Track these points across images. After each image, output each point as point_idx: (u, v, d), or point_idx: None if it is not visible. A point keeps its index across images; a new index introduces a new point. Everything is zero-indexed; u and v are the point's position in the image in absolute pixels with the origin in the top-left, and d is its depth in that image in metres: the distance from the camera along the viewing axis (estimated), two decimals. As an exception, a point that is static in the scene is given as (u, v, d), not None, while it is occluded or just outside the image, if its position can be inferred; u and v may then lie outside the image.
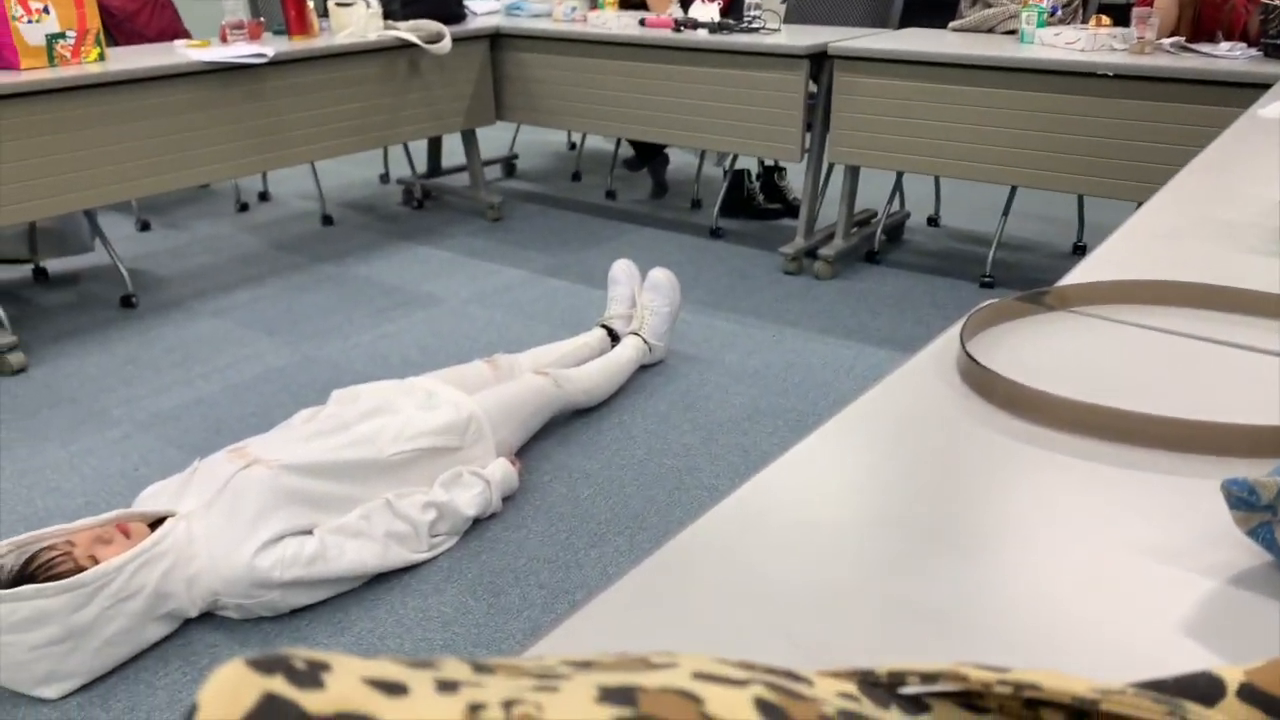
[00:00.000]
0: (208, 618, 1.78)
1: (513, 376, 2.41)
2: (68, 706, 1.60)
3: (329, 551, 1.79)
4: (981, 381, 0.80)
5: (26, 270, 3.58)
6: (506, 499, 2.12)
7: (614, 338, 2.72)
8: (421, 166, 4.60)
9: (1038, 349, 0.89)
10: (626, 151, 4.68)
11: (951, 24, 3.50)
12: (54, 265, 3.64)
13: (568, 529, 2.05)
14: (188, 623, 1.77)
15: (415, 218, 4.23)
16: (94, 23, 2.97)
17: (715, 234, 3.93)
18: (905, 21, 3.86)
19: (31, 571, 1.60)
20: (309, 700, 0.20)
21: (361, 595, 1.85)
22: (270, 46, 3.27)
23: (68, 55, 2.93)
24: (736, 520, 0.65)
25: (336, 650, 1.71)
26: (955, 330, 0.91)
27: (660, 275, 2.73)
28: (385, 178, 4.89)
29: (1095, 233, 3.94)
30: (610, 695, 0.23)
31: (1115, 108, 2.80)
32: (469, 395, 2.21)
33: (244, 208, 4.40)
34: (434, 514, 1.95)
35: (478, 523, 2.05)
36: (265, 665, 0.21)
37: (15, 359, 2.78)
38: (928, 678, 0.32)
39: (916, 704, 0.32)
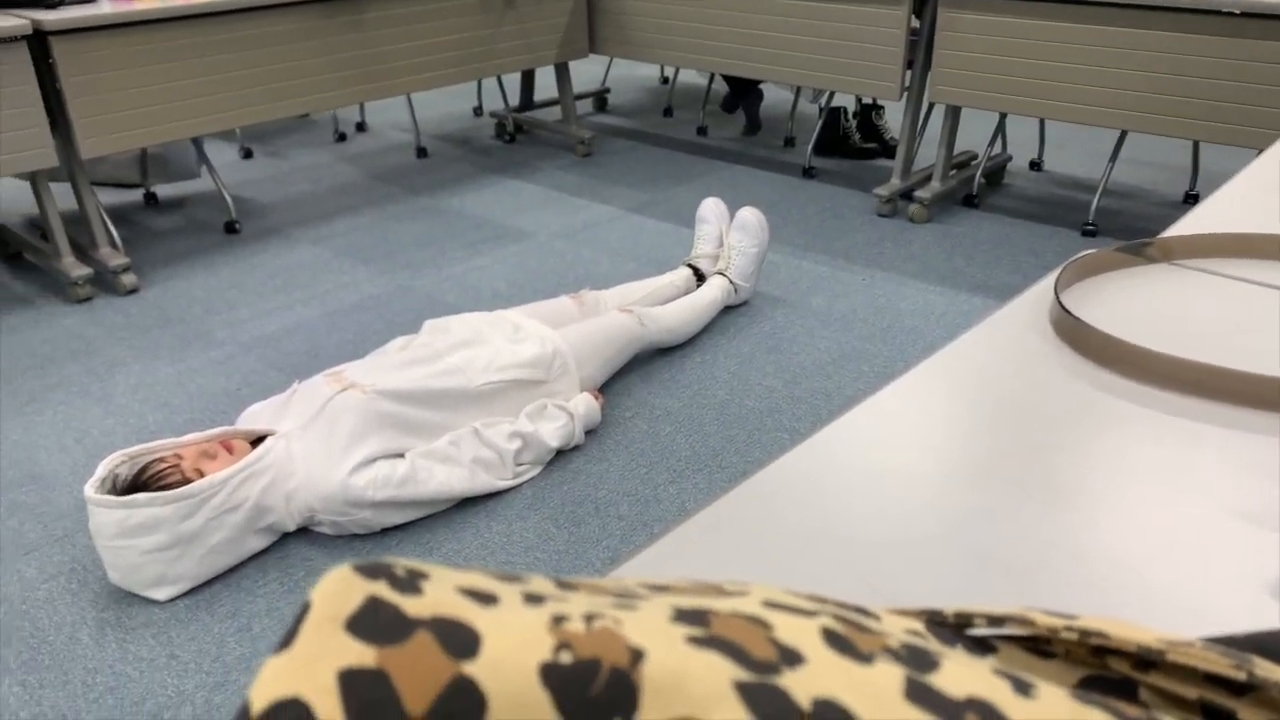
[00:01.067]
0: (304, 533, 1.87)
1: (598, 313, 2.44)
2: (176, 608, 1.71)
3: (419, 474, 1.85)
4: (1074, 333, 0.79)
5: (137, 195, 3.73)
6: (589, 432, 2.16)
7: (700, 277, 2.71)
8: (514, 100, 4.61)
9: (1136, 302, 0.86)
10: (720, 89, 4.61)
11: (1068, -44, 3.33)
12: (163, 190, 3.78)
13: (647, 464, 2.08)
14: (285, 537, 1.86)
15: (507, 151, 4.26)
16: (202, -48, 3.03)
17: (808, 173, 3.87)
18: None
19: (143, 481, 1.71)
20: (409, 604, 0.22)
21: (449, 518, 1.91)
22: (369, -23, 3.30)
23: (177, -16, 3.00)
24: (817, 461, 0.66)
25: (423, 569, 1.79)
26: (1050, 280, 0.89)
27: (749, 215, 2.71)
28: (478, 110, 4.92)
29: (1210, 181, 3.74)
30: (684, 616, 0.24)
31: (1239, 48, 2.64)
32: (555, 330, 2.25)
33: (342, 138, 4.49)
34: (519, 443, 2.01)
35: (561, 454, 2.10)
36: (369, 571, 0.23)
37: (128, 280, 2.91)
38: (994, 620, 0.32)
39: (983, 646, 0.33)
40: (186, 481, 1.71)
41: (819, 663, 0.24)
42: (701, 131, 4.48)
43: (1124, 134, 3.18)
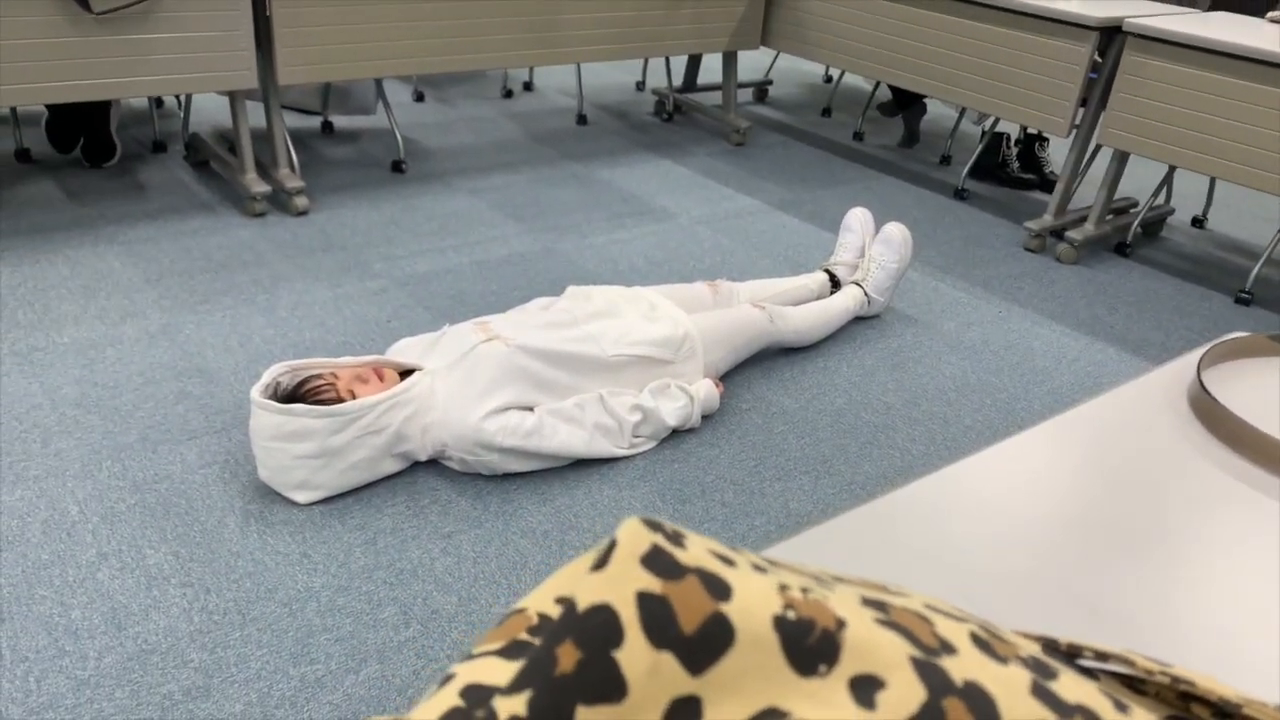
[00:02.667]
0: (432, 465, 2.02)
1: (730, 303, 2.51)
2: (312, 512, 1.87)
3: (544, 429, 1.97)
4: (1210, 414, 0.83)
5: (315, 122, 3.97)
6: (706, 417, 2.25)
7: (835, 284, 2.75)
8: (678, 80, 4.69)
9: (1277, 392, 0.89)
10: (884, 95, 4.59)
11: (1270, 14, 3.21)
12: (339, 121, 4.01)
13: (757, 457, 2.15)
14: (415, 466, 2.01)
15: (663, 130, 4.35)
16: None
17: (960, 195, 3.84)
18: (1217, 4, 3.56)
19: (301, 393, 1.87)
20: (679, 554, 0.31)
21: (565, 475, 2.03)
22: (563, -54, 3.42)
23: (386, -68, 3.18)
24: (944, 492, 0.72)
25: (538, 516, 1.91)
26: (1195, 356, 0.92)
27: (895, 230, 2.73)
28: (641, 86, 5.02)
29: (1387, 267, 3.57)
30: (869, 602, 0.32)
31: None
32: (688, 315, 2.34)
33: (508, 94, 4.66)
34: (639, 416, 2.10)
35: (676, 433, 2.19)
36: (651, 525, 0.31)
37: (300, 202, 3.13)
38: (1100, 655, 0.39)
39: (1087, 675, 0.40)
40: (339, 399, 1.87)
41: (968, 656, 0.31)
42: (858, 136, 4.48)
43: (1300, 205, 3.06)
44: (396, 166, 3.58)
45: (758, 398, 2.37)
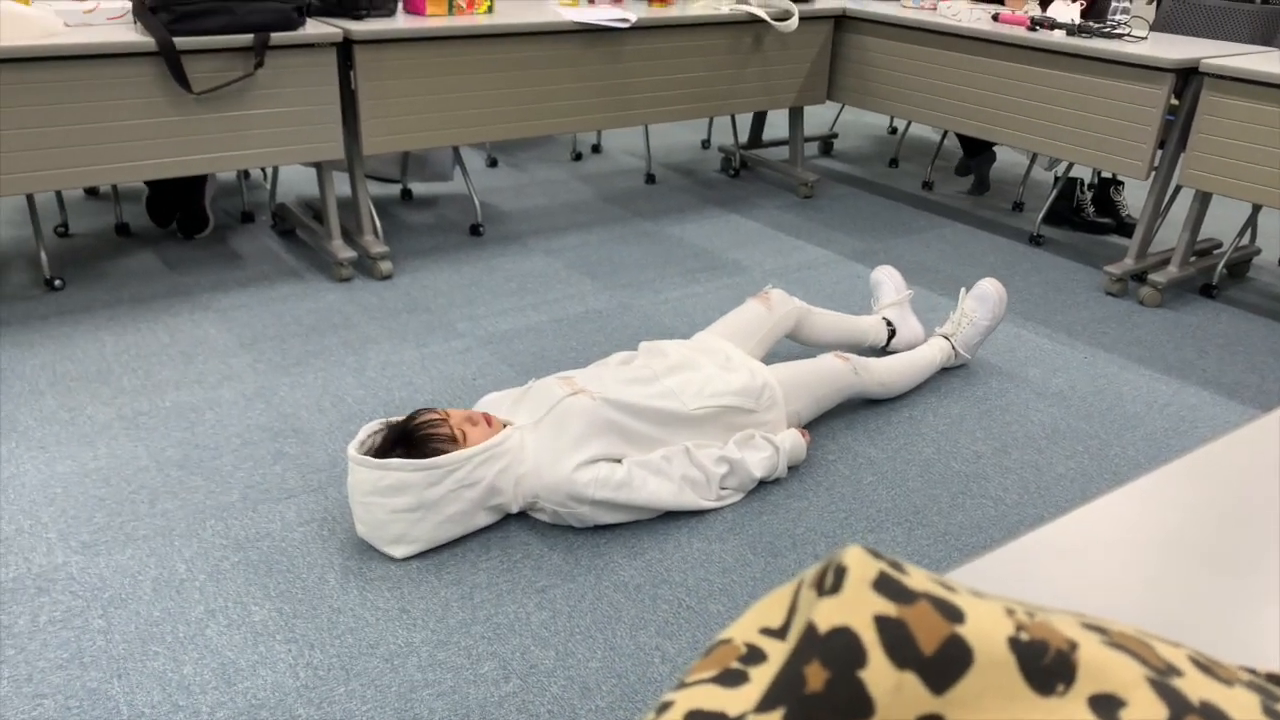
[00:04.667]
0: (524, 520, 2.04)
1: (784, 313, 2.52)
2: (409, 568, 1.90)
3: (634, 480, 1.99)
4: (1350, 451, 0.81)
5: (396, 190, 4.10)
6: (792, 468, 2.24)
7: (891, 332, 2.75)
8: (744, 136, 4.75)
9: None
10: (950, 146, 4.59)
11: (1354, 48, 3.15)
12: (418, 188, 4.14)
13: (846, 509, 2.14)
14: (507, 521, 2.03)
15: (730, 185, 4.40)
16: (489, -21, 3.33)
17: (1035, 241, 3.81)
18: (1297, 40, 3.51)
19: (413, 427, 1.92)
20: (906, 580, 0.32)
21: (654, 527, 2.04)
22: (632, 12, 3.52)
23: (464, 6, 3.31)
24: (1051, 549, 0.71)
25: (629, 570, 1.91)
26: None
27: (990, 287, 2.69)
28: (706, 143, 5.10)
29: None
30: (1089, 626, 0.33)
31: None
32: (753, 340, 2.41)
33: (578, 157, 4.77)
34: (726, 468, 2.11)
35: (763, 485, 2.19)
36: (873, 553, 0.33)
37: (385, 266, 3.22)
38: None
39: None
40: (451, 437, 1.91)
41: (1193, 677, 0.32)
42: (927, 186, 4.48)
43: (1396, 241, 2.98)
44: (474, 230, 3.68)
45: (843, 448, 2.36)
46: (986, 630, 0.30)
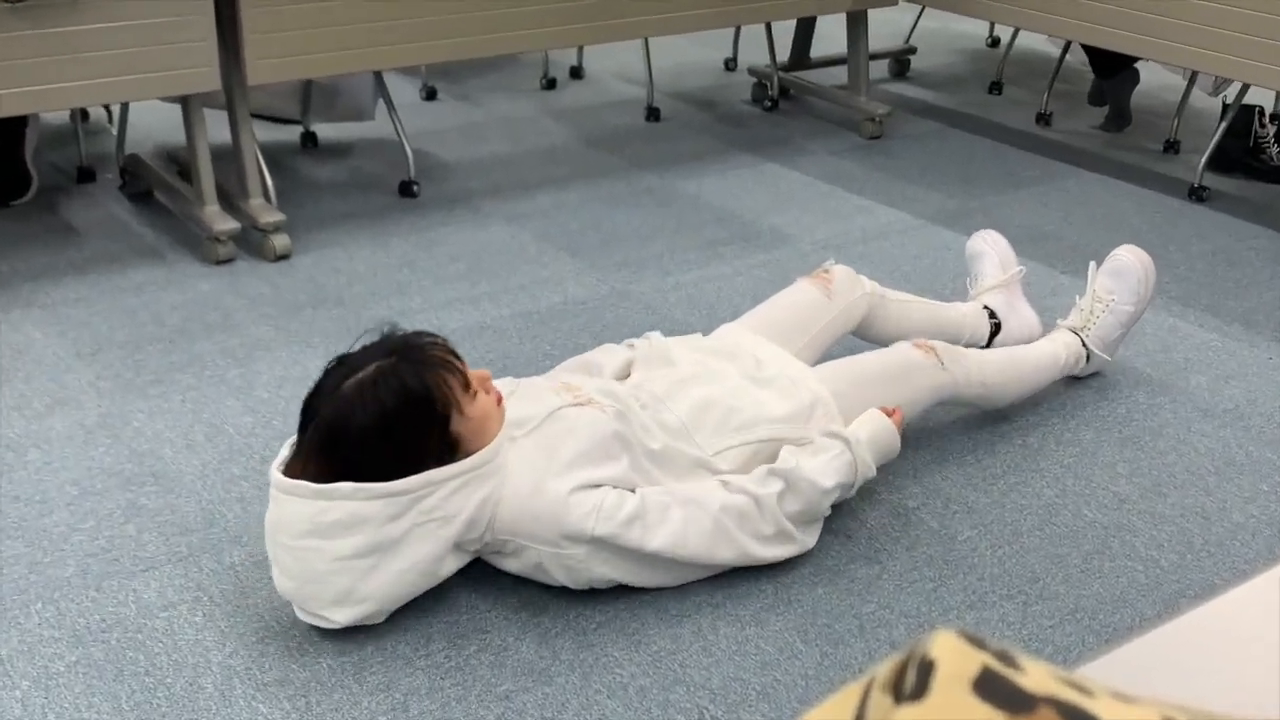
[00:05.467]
0: (477, 592, 2.04)
1: (850, 301, 2.52)
2: (317, 669, 1.90)
3: (650, 514, 1.97)
4: None
5: (295, 134, 4.11)
6: (882, 469, 2.24)
7: (995, 327, 2.75)
8: (783, 54, 4.76)
9: None
10: (1076, 62, 4.59)
11: None
12: (324, 131, 4.15)
13: (936, 576, 2.13)
14: (458, 604, 2.03)
15: (766, 122, 4.42)
16: None
17: (1197, 195, 3.81)
18: None
19: (422, 344, 1.95)
20: (1021, 679, 0.31)
21: (663, 608, 2.03)
22: (625, -120, 3.53)
23: (387, -125, 3.32)
24: (1223, 630, 0.71)
25: (629, 668, 1.91)
26: None
27: (1132, 258, 2.68)
28: (732, 64, 5.11)
29: None
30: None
31: None
32: (805, 337, 2.41)
33: (551, 84, 4.78)
34: (779, 485, 2.06)
35: (818, 548, 2.18)
36: (974, 641, 0.32)
37: (279, 242, 3.23)
38: None
39: None
40: (468, 388, 1.94)
41: None
42: (1043, 119, 4.50)
43: None
44: (406, 189, 3.69)
45: (930, 490, 2.36)
46: (1137, 748, 0.30)
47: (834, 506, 2.16)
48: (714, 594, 2.07)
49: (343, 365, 1.96)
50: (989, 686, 0.31)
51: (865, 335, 2.61)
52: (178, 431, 2.49)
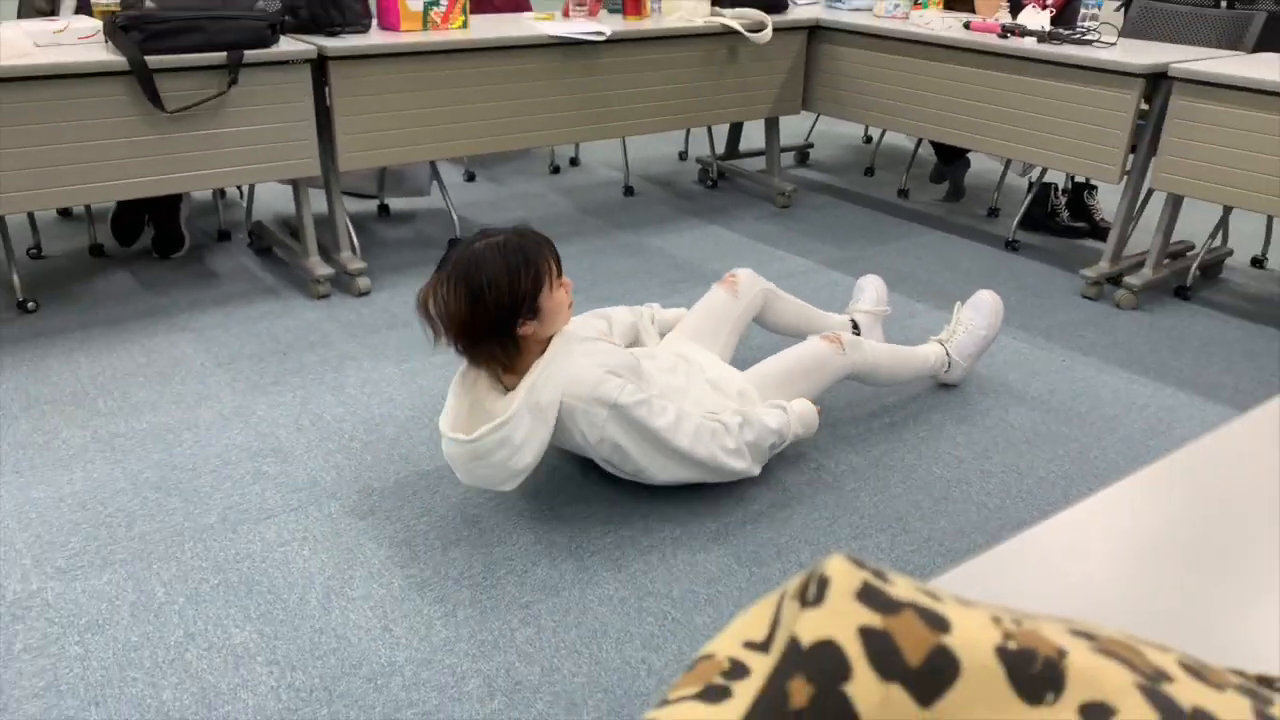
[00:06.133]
0: (515, 538, 2.02)
1: (751, 297, 2.52)
2: (391, 586, 1.88)
3: (654, 404, 2.00)
4: (1329, 448, 0.81)
5: (372, 205, 4.08)
6: (773, 474, 2.23)
7: (855, 331, 2.73)
8: (720, 147, 4.76)
9: (1394, 425, 0.87)
10: (925, 153, 4.61)
11: (1319, 52, 3.20)
12: (396, 203, 4.12)
13: (830, 516, 2.13)
14: (488, 531, 2.01)
15: (708, 196, 4.41)
16: (464, -6, 3.33)
17: (1011, 246, 3.83)
18: (1262, 44, 3.56)
19: (534, 235, 1.99)
20: (890, 589, 0.31)
21: (637, 539, 2.02)
22: (608, 25, 3.52)
23: (438, 21, 3.30)
24: (1035, 553, 0.71)
25: (614, 583, 1.90)
26: (1302, 392, 0.91)
27: (988, 297, 2.68)
28: (684, 155, 5.10)
29: None
30: (1077, 633, 0.32)
31: None
32: (723, 333, 2.44)
33: (556, 170, 4.76)
34: (739, 419, 2.09)
35: (744, 496, 2.17)
36: (857, 562, 0.32)
37: (362, 283, 3.20)
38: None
39: None
40: (558, 270, 2.00)
41: (1184, 683, 0.31)
42: (903, 194, 4.51)
43: (1365, 240, 3.01)
44: (453, 243, 3.66)
45: (826, 454, 2.35)
46: (973, 639, 0.30)
47: (764, 468, 2.16)
48: (674, 530, 2.06)
49: (483, 233, 1.98)
50: (868, 595, 0.30)
51: (762, 322, 2.60)
52: (290, 418, 2.46)
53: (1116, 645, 0.32)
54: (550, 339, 2.01)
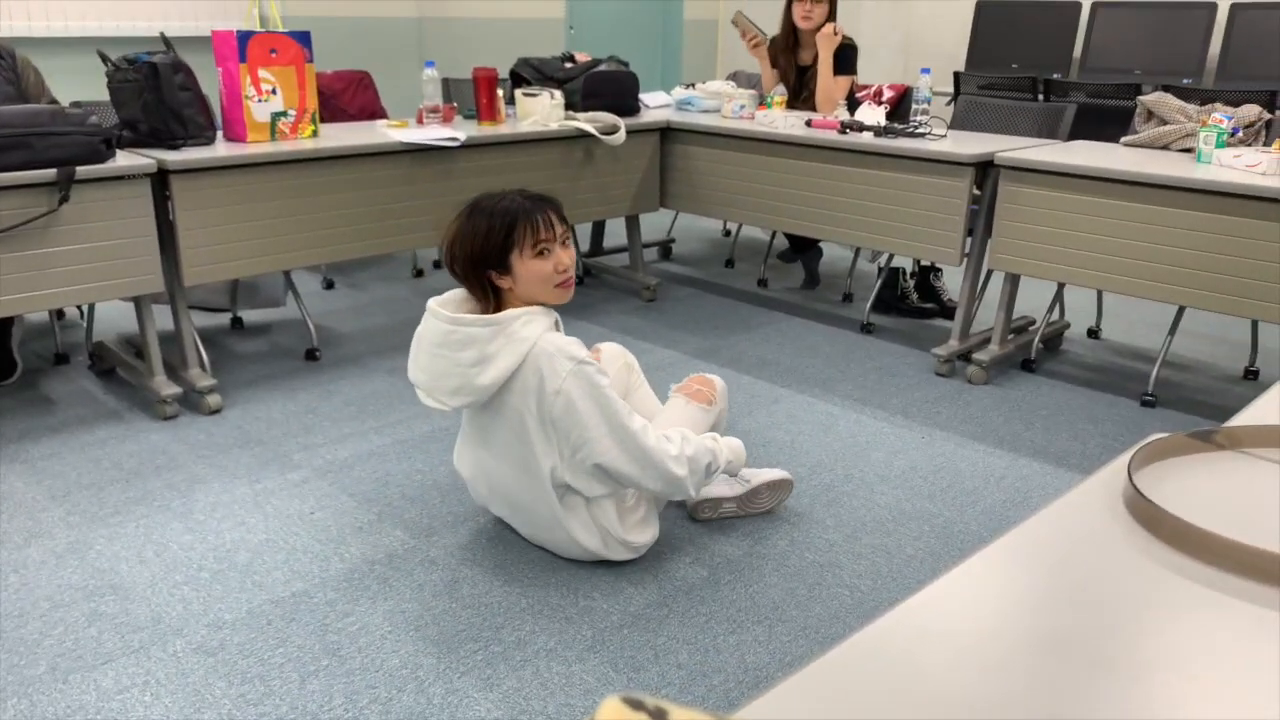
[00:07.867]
0: (476, 567, 1.91)
1: (617, 368, 2.56)
2: (243, 727, 1.74)
3: (615, 392, 2.09)
4: (1148, 516, 0.84)
5: (225, 319, 3.94)
6: (646, 572, 2.20)
7: None
8: (585, 245, 4.82)
9: (1206, 487, 0.92)
10: (781, 243, 4.78)
11: (1124, 139, 3.49)
12: (249, 316, 3.99)
13: (706, 612, 2.10)
14: (457, 576, 1.90)
15: (577, 293, 4.41)
16: (313, 103, 3.30)
17: (866, 329, 3.97)
18: (1075, 133, 3.86)
19: (541, 201, 2.12)
20: (667, 731, 0.29)
21: (510, 654, 1.95)
22: (462, 131, 3.56)
23: (287, 131, 3.27)
24: (904, 629, 0.71)
25: (484, 704, 1.81)
26: (1123, 461, 0.95)
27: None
28: (548, 253, 5.13)
29: (1270, 358, 3.77)
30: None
31: (1298, 234, 2.73)
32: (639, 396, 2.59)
33: (419, 273, 4.72)
34: (680, 433, 2.18)
35: (620, 596, 2.13)
36: (634, 703, 0.30)
37: (213, 400, 3.06)
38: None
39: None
40: (541, 245, 2.06)
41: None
42: (762, 283, 4.64)
43: (1183, 308, 3.25)
44: (310, 354, 3.56)
45: (700, 549, 2.34)
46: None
47: (636, 563, 2.12)
48: (548, 640, 2.00)
49: (504, 191, 2.14)
50: (642, 742, 0.28)
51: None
52: (132, 551, 2.30)
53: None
54: (537, 305, 2.12)
